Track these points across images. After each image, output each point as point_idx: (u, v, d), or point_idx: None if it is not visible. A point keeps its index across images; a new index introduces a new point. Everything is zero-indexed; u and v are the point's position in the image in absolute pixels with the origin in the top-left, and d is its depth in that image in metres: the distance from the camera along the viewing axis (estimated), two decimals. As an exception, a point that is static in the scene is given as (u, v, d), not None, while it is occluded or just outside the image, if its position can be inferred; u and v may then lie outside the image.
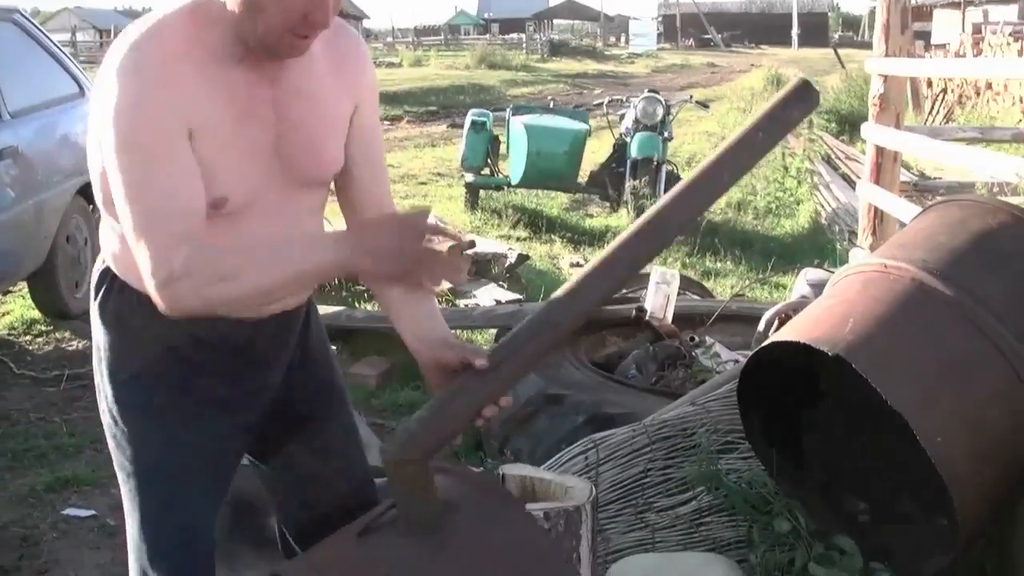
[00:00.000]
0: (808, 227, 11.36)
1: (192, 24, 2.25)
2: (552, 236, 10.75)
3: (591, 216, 12.38)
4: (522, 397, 4.76)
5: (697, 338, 5.28)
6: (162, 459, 2.57)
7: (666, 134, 11.31)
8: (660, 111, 11.19)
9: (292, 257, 2.29)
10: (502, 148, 12.62)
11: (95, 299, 2.56)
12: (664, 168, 11.05)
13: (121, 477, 2.63)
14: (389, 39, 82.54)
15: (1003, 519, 3.41)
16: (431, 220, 2.31)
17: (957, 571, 3.42)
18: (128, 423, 2.57)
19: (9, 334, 7.34)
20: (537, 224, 11.17)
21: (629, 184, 10.75)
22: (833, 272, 6.25)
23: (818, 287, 5.67)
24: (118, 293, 2.50)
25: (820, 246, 10.14)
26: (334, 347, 4.74)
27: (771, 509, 3.92)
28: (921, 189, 8.46)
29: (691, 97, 13.43)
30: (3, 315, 7.70)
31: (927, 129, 10.08)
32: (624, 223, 11.23)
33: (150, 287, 2.21)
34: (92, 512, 4.81)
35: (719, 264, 9.27)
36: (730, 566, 3.68)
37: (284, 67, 2.37)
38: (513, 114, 12.24)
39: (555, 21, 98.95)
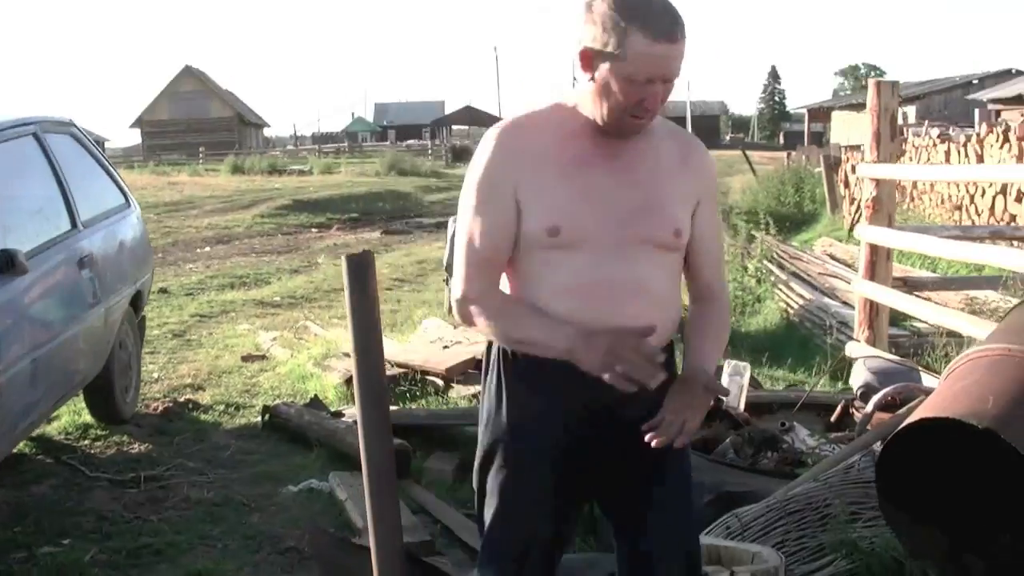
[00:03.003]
0: (780, 323, 11.88)
1: (554, 110, 3.02)
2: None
3: (567, 318, 12.77)
4: (641, 481, 5.12)
5: (787, 424, 5.72)
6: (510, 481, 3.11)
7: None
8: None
9: (536, 327, 2.94)
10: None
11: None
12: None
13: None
14: (290, 146, 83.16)
15: None
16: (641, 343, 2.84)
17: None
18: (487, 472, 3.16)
19: (66, 439, 7.54)
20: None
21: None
22: (891, 360, 6.77)
23: (880, 374, 6.18)
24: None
25: (801, 340, 10.65)
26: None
27: (903, 571, 4.35)
28: (911, 284, 9.00)
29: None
30: (50, 421, 7.86)
31: (915, 227, 10.69)
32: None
33: (452, 298, 3.07)
34: (236, 604, 5.07)
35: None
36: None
37: (629, 146, 3.01)
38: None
39: (454, 127, 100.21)
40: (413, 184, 40.57)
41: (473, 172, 3.00)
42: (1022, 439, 3.67)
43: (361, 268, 3.39)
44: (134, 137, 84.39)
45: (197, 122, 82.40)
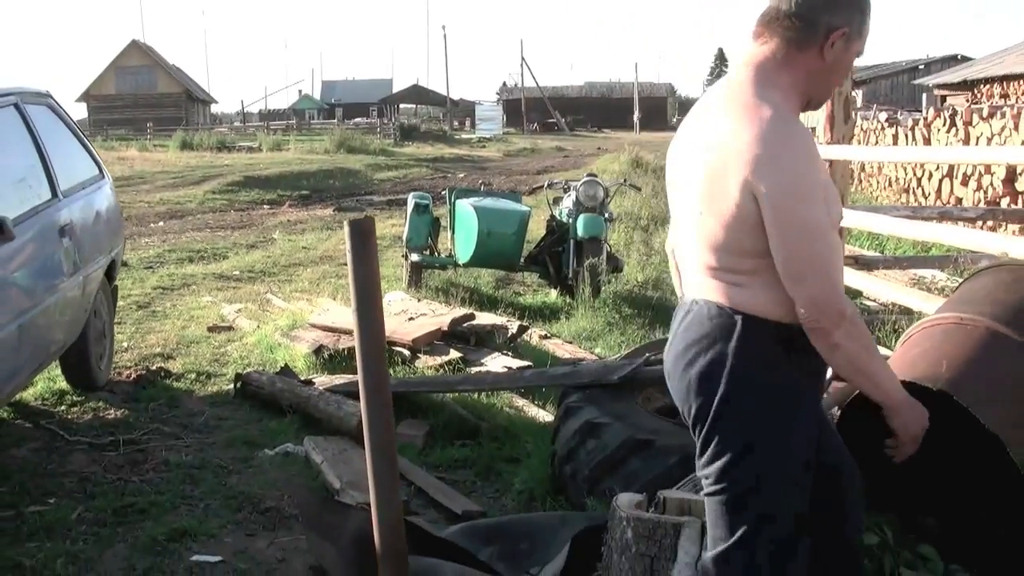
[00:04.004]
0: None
1: (782, 91, 3.11)
2: (498, 312, 11.32)
3: (520, 294, 13.03)
4: (611, 444, 5.37)
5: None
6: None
7: (606, 215, 11.98)
8: (601, 193, 11.86)
9: (883, 366, 3.23)
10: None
11: (735, 345, 3.16)
12: (605, 247, 11.70)
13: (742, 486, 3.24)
14: (237, 123, 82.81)
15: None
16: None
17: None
18: (778, 440, 3.20)
19: (43, 405, 7.70)
20: (478, 302, 11.71)
21: (586, 263, 11.24)
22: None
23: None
24: (769, 332, 3.15)
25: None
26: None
27: (860, 526, 4.62)
28: (862, 261, 9.29)
29: (625, 180, 14.32)
30: (26, 387, 8.00)
31: (867, 207, 11.01)
32: (555, 299, 11.95)
33: (814, 312, 3.02)
34: (220, 558, 5.26)
35: (674, 334, 9.94)
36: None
37: None
38: (456, 197, 12.80)
39: (401, 105, 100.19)
40: (362, 162, 40.61)
41: (804, 172, 2.98)
42: (974, 401, 3.94)
43: (363, 233, 3.62)
44: (80, 111, 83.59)
45: (144, 97, 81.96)
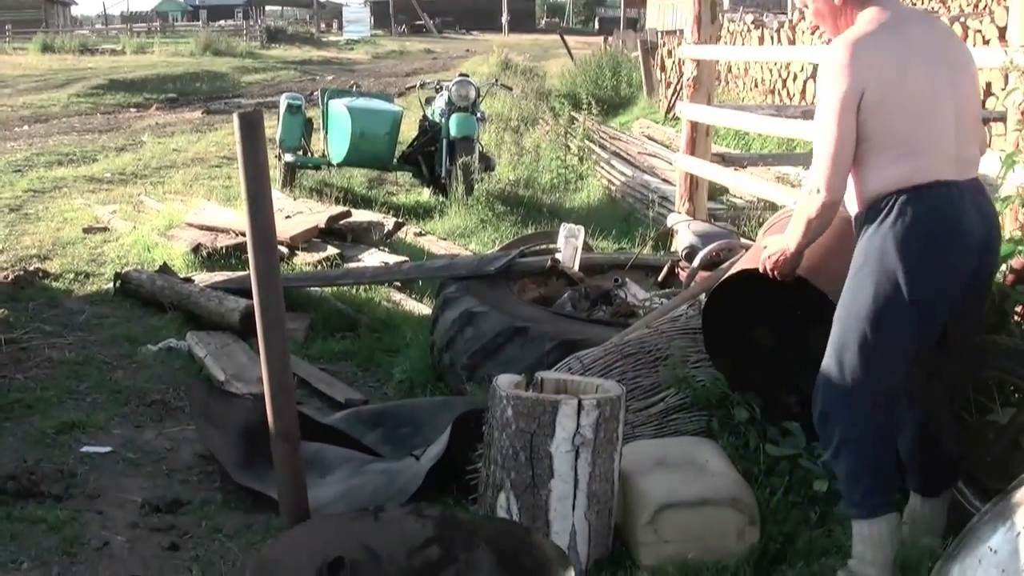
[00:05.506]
0: (603, 199, 12.46)
1: None
2: (372, 211, 11.47)
3: (393, 194, 13.21)
4: (488, 332, 5.59)
5: (620, 280, 6.23)
6: None
7: (478, 115, 12.14)
8: (473, 93, 12.00)
9: None
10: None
11: None
12: (477, 147, 11.87)
13: None
14: (99, 25, 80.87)
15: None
16: None
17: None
18: None
19: (-86, 307, 7.69)
20: (352, 201, 11.83)
21: (459, 162, 11.39)
22: (713, 224, 7.32)
23: (704, 236, 6.73)
24: None
25: (624, 214, 11.23)
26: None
27: (729, 402, 4.90)
28: (728, 159, 9.57)
29: (496, 80, 14.45)
30: None
31: (734, 106, 11.29)
32: (428, 198, 12.17)
33: None
34: (109, 448, 5.39)
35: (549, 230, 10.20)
36: (714, 445, 4.64)
37: None
38: (329, 98, 12.82)
39: (267, 8, 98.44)
40: (229, 65, 39.97)
41: None
42: (829, 286, 4.22)
43: (252, 125, 3.76)
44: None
45: None
